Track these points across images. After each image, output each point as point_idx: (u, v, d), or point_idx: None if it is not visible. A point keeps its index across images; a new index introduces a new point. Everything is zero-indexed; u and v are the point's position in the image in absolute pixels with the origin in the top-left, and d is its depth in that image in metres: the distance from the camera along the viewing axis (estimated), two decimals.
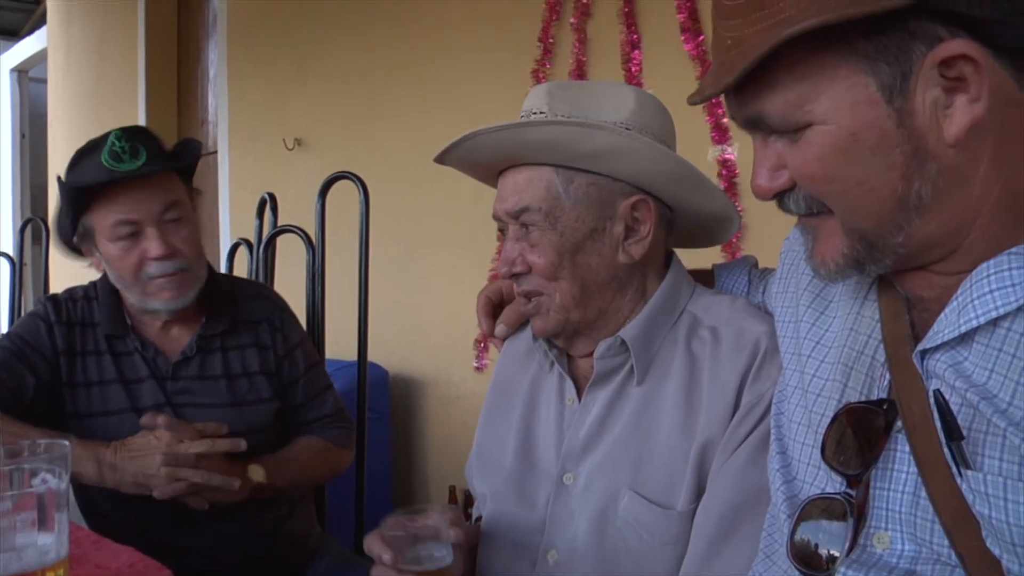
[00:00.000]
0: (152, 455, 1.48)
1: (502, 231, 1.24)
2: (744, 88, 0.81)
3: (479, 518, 1.35)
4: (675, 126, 1.24)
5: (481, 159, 1.21)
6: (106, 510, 1.52)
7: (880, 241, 0.82)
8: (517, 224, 1.19)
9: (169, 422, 1.52)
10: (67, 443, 1.01)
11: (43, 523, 0.91)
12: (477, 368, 3.38)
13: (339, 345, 2.48)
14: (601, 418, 1.20)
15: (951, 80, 0.75)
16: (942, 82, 0.75)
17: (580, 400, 1.24)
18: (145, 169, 1.58)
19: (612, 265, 1.19)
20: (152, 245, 1.60)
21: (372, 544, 1.12)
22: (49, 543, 0.91)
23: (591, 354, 1.22)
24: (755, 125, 0.85)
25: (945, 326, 0.79)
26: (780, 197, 0.87)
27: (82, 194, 1.58)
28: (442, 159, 1.23)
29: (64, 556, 0.93)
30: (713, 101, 2.67)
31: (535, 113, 1.16)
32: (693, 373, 1.16)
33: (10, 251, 3.62)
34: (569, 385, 1.26)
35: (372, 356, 2.21)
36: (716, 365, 1.14)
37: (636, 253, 1.18)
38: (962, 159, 0.77)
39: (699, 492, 1.11)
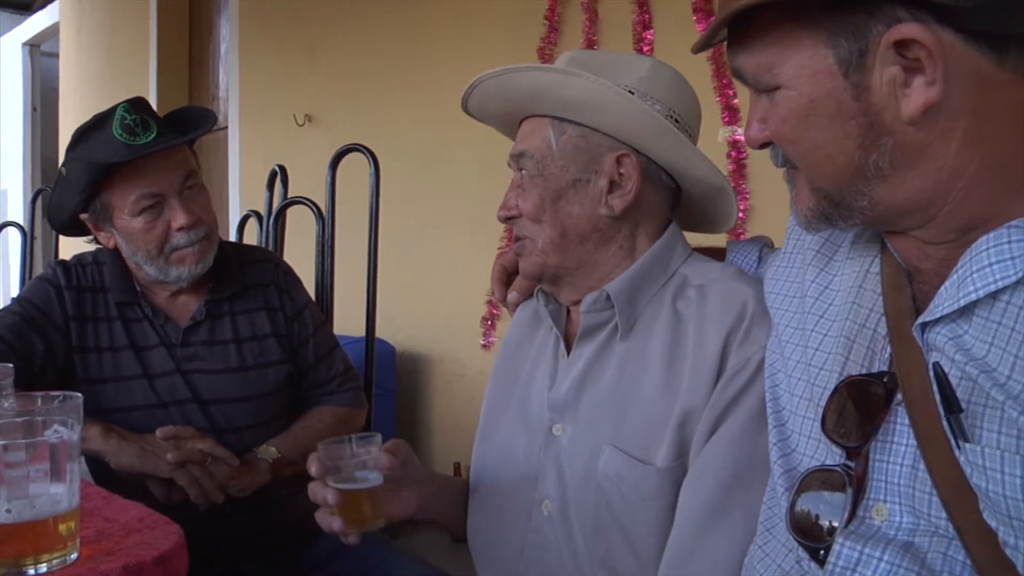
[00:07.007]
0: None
1: None
2: (732, 43, 0.88)
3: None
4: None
5: (494, 110, 1.29)
6: (115, 475, 1.54)
7: (843, 202, 0.87)
8: (517, 169, 1.26)
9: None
10: (79, 395, 1.03)
11: (56, 473, 0.93)
12: (484, 346, 3.39)
13: (347, 321, 2.49)
14: (585, 371, 1.23)
15: (910, 61, 0.77)
16: (901, 61, 0.78)
17: (569, 354, 1.27)
18: (169, 142, 1.60)
19: (593, 216, 1.22)
20: (177, 215, 1.63)
21: (309, 461, 1.17)
22: (61, 492, 0.93)
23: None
24: (741, 79, 0.90)
25: (945, 299, 0.79)
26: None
27: (103, 171, 1.59)
28: (466, 108, 1.30)
29: (75, 506, 0.95)
30: (723, 82, 2.66)
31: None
32: (678, 330, 1.18)
33: (21, 222, 3.64)
34: (561, 339, 1.29)
35: (379, 332, 2.22)
36: (701, 323, 1.16)
37: (617, 207, 1.21)
38: (923, 136, 0.80)
39: (679, 452, 1.13)
